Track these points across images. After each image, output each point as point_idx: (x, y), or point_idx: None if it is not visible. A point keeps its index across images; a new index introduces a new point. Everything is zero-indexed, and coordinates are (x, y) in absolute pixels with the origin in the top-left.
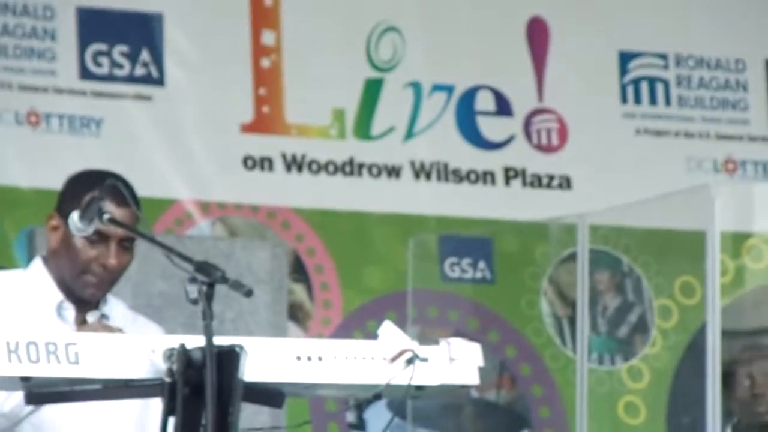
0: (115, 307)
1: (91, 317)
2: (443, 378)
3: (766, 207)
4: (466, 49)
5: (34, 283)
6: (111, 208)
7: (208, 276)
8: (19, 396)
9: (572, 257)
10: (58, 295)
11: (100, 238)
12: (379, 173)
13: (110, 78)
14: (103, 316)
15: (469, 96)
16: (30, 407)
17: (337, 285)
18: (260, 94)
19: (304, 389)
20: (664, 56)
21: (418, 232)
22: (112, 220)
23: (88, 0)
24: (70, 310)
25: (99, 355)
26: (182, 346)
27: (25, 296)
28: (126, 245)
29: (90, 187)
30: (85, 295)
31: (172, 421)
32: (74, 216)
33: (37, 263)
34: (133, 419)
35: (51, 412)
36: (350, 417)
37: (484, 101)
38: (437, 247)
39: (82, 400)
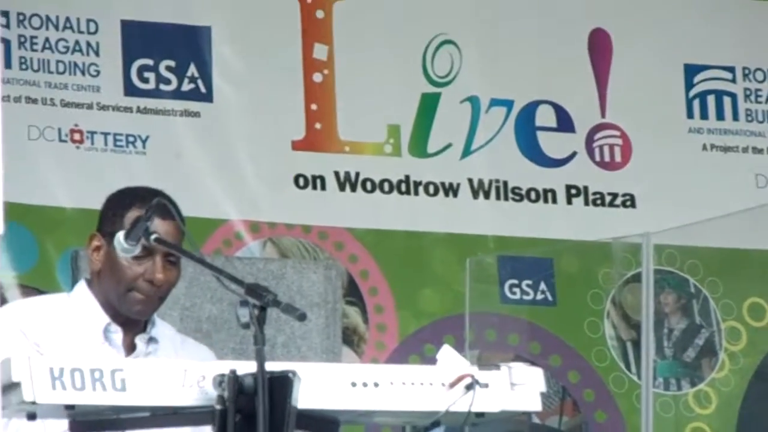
0: (163, 329)
1: (140, 340)
2: (504, 404)
3: None
4: (525, 63)
5: (80, 307)
6: (156, 223)
7: (260, 299)
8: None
9: (636, 278)
10: (105, 318)
11: (145, 253)
12: (435, 192)
13: (156, 94)
14: (152, 339)
15: (529, 111)
16: None
17: (393, 308)
18: (312, 110)
19: (359, 416)
20: (731, 69)
21: (477, 252)
22: (159, 240)
23: (132, 13)
24: (117, 333)
25: (146, 381)
26: (233, 372)
27: (70, 321)
28: (172, 260)
29: (132, 205)
30: (132, 313)
31: None
32: (120, 237)
33: (82, 286)
34: None
35: None
36: None
37: (545, 116)
38: (496, 268)
39: (129, 429)
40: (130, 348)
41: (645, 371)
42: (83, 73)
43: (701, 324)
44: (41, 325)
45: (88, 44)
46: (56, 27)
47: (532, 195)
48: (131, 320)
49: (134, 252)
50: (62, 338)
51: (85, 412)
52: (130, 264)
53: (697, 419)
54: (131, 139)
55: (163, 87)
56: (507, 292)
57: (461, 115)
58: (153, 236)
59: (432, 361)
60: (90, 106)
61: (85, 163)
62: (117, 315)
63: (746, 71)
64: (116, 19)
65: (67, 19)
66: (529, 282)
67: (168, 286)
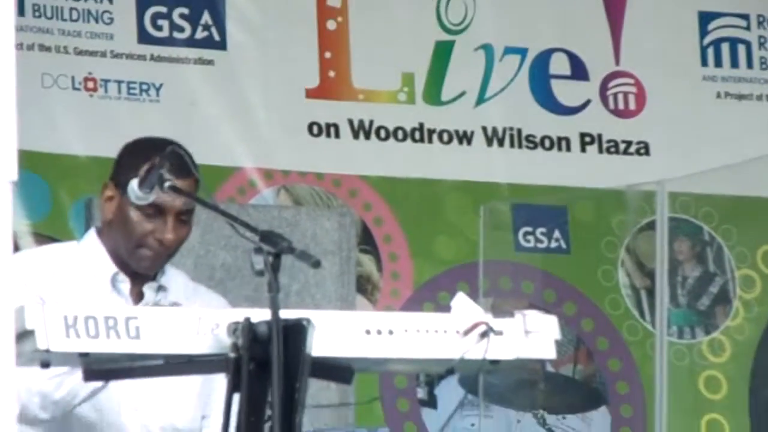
0: (174, 278)
1: (148, 289)
2: (518, 352)
3: None
4: (540, 11)
5: (88, 256)
6: (172, 178)
7: (275, 246)
8: (71, 383)
9: (651, 226)
10: (113, 268)
11: (156, 211)
12: (450, 139)
13: (170, 42)
14: (161, 288)
15: (543, 59)
16: (83, 392)
17: (407, 255)
18: (326, 58)
19: (373, 364)
20: (745, 17)
21: (491, 200)
22: (174, 188)
23: None
24: (125, 283)
25: (160, 329)
26: (247, 320)
27: (79, 269)
28: (183, 219)
29: (147, 155)
30: (140, 268)
31: (236, 397)
32: (134, 184)
33: (91, 235)
34: (195, 394)
35: (110, 389)
36: (421, 393)
37: (559, 64)
38: (510, 215)
39: (143, 377)
40: (138, 297)
41: (659, 319)
42: (96, 21)
43: (715, 272)
44: (47, 277)
45: None
46: None
47: (546, 143)
48: (139, 273)
49: (148, 200)
50: (70, 287)
51: (98, 359)
52: (141, 220)
53: (711, 367)
54: (145, 87)
55: (176, 35)
56: (521, 240)
57: (475, 63)
58: (167, 184)
59: (446, 309)
60: (104, 54)
61: (99, 111)
62: (125, 265)
63: (761, 19)
64: None
65: None
66: (543, 230)
67: (178, 244)
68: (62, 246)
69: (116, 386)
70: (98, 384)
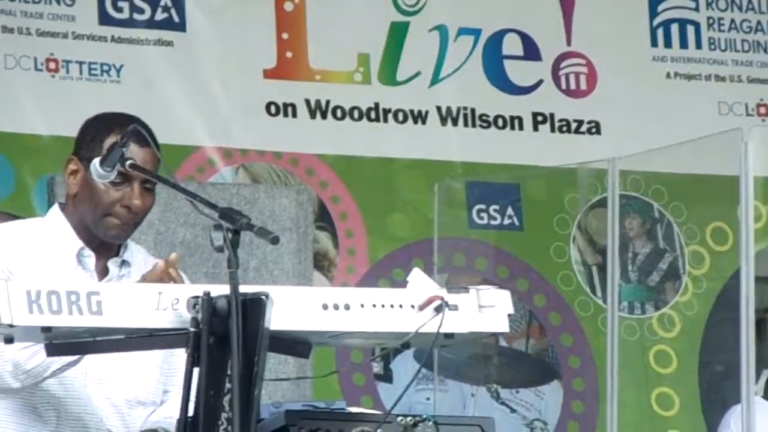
0: (136, 253)
1: (113, 264)
2: (473, 326)
3: None
4: None
5: (53, 231)
6: (133, 150)
7: (234, 223)
8: (44, 355)
9: (602, 203)
10: (78, 242)
11: (123, 179)
12: (404, 119)
13: (130, 23)
14: (124, 263)
15: (496, 40)
16: (55, 365)
17: (363, 233)
18: (283, 39)
19: (330, 338)
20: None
21: (445, 178)
22: (135, 166)
23: None
24: (90, 257)
25: (122, 305)
26: (207, 294)
27: (44, 245)
28: (148, 187)
29: (110, 129)
30: (108, 237)
31: (197, 371)
32: (96, 163)
33: (55, 211)
34: (157, 369)
35: (75, 371)
36: (377, 367)
37: (512, 45)
38: (464, 193)
39: (105, 351)
40: (103, 272)
41: (610, 295)
42: (58, 3)
43: (665, 248)
44: (13, 251)
45: None
46: None
47: (500, 122)
48: (104, 244)
49: (110, 178)
50: (35, 262)
51: (61, 334)
52: (108, 189)
53: (661, 342)
54: (106, 67)
55: (137, 16)
56: (475, 217)
57: (430, 44)
58: (128, 162)
59: (401, 285)
60: (65, 36)
61: (61, 91)
62: (90, 239)
63: (709, 0)
64: None
65: None
66: (497, 207)
67: (144, 212)
68: (26, 222)
69: (82, 365)
70: (73, 358)
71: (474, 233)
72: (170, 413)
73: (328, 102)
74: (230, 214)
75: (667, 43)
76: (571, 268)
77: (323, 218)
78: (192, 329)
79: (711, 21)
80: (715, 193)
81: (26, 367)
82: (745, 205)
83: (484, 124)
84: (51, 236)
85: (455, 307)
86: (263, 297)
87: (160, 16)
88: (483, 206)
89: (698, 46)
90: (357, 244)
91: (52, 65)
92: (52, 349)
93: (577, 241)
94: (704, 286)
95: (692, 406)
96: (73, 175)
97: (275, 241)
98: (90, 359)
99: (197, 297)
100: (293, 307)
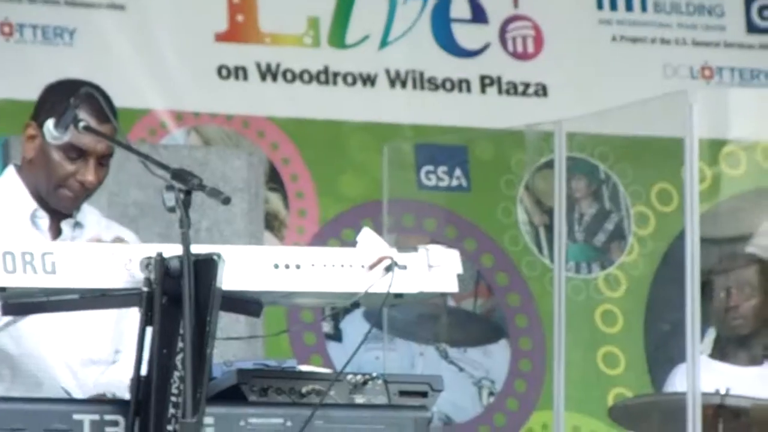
0: (89, 214)
1: (66, 225)
2: (422, 285)
3: (742, 113)
4: None
5: (8, 192)
6: (88, 119)
7: (185, 183)
8: None
9: (549, 165)
10: (32, 204)
11: (78, 154)
12: (354, 82)
13: None
14: (77, 224)
15: (444, 3)
16: (7, 319)
17: (313, 194)
18: (234, 3)
19: (281, 298)
20: None
21: (394, 140)
22: (88, 128)
23: None
24: (44, 219)
25: (76, 264)
26: (160, 254)
27: None
28: (103, 162)
29: (68, 95)
30: (59, 208)
31: (149, 330)
32: (49, 123)
33: (10, 171)
34: (110, 329)
35: (29, 322)
36: (327, 327)
37: (460, 8)
38: (413, 155)
39: (58, 311)
40: (56, 232)
41: (557, 255)
42: None
43: (611, 209)
44: None
45: None
46: None
47: (448, 85)
48: (57, 211)
49: (62, 140)
50: None
51: (16, 294)
52: (63, 162)
53: (607, 302)
54: (59, 31)
55: None
56: (423, 179)
57: (378, 7)
58: (81, 124)
59: (351, 245)
60: (20, 0)
61: (15, 55)
62: (44, 202)
63: None
64: None
65: None
66: (445, 169)
67: (97, 186)
68: None
69: (34, 318)
70: None
71: (423, 194)
72: (120, 373)
73: (278, 65)
74: (182, 175)
75: (613, 6)
76: (518, 229)
77: (274, 180)
78: (145, 289)
79: None
80: (660, 154)
81: None
82: (689, 166)
83: (433, 87)
84: (5, 196)
85: (404, 267)
86: (215, 257)
87: None
88: (431, 168)
89: (644, 8)
90: (307, 205)
91: (6, 29)
92: (8, 309)
93: (524, 202)
94: (649, 246)
95: (638, 364)
96: (30, 139)
97: (226, 201)
98: (43, 317)
99: (150, 257)
100: (244, 266)
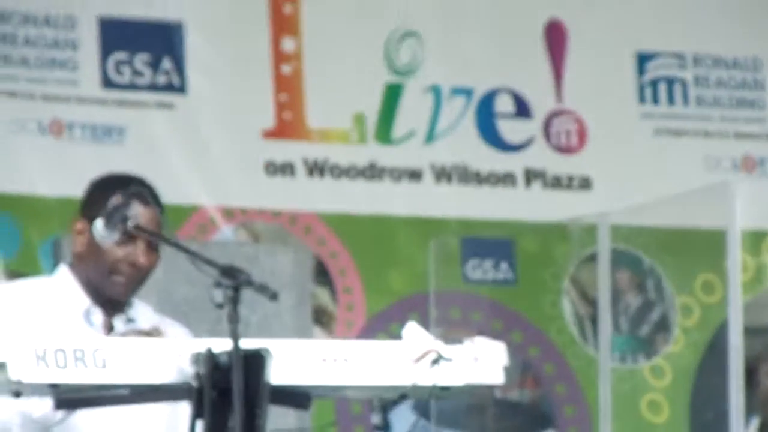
0: (141, 310)
1: (118, 321)
2: (468, 378)
3: None
4: (484, 52)
5: (61, 289)
6: (137, 210)
7: (234, 279)
8: (50, 403)
9: (593, 257)
10: (86, 300)
11: (128, 237)
12: (400, 177)
13: (132, 87)
14: (130, 320)
15: (489, 99)
16: (61, 414)
17: (360, 288)
18: (281, 101)
19: (330, 391)
20: (681, 56)
21: (440, 234)
22: (138, 227)
23: (108, 9)
24: (97, 315)
25: (126, 359)
26: (209, 349)
27: (52, 303)
28: (153, 245)
29: (114, 190)
30: (114, 294)
31: (200, 424)
32: (98, 224)
33: (63, 269)
34: (161, 423)
35: (81, 417)
36: (375, 418)
37: (504, 103)
38: (459, 249)
39: (110, 405)
40: (109, 328)
41: (602, 345)
42: (62, 68)
43: (655, 300)
44: (21, 310)
45: (66, 40)
46: (35, 23)
47: (493, 179)
48: (111, 301)
49: (113, 239)
50: (44, 320)
51: (68, 389)
52: (113, 247)
53: (653, 391)
54: (108, 130)
55: (138, 80)
56: (469, 272)
57: (424, 104)
58: (130, 222)
59: (398, 338)
60: (68, 99)
61: (65, 154)
62: (97, 296)
63: (696, 58)
64: (94, 15)
65: (46, 17)
66: (491, 262)
67: (149, 269)
68: (35, 280)
69: (87, 413)
70: None
71: (469, 287)
72: None
73: (325, 161)
74: (230, 271)
75: (655, 100)
76: (565, 320)
77: (322, 274)
78: (194, 383)
79: (698, 78)
80: (703, 246)
81: (34, 416)
82: (732, 257)
83: (478, 181)
84: (59, 294)
85: (450, 360)
86: (263, 352)
87: (161, 79)
88: (477, 261)
89: (685, 102)
90: (355, 300)
91: (56, 128)
92: (60, 404)
93: (570, 293)
94: (694, 336)
95: None
96: (79, 234)
97: (274, 297)
98: (96, 414)
99: (199, 352)
100: (293, 360)
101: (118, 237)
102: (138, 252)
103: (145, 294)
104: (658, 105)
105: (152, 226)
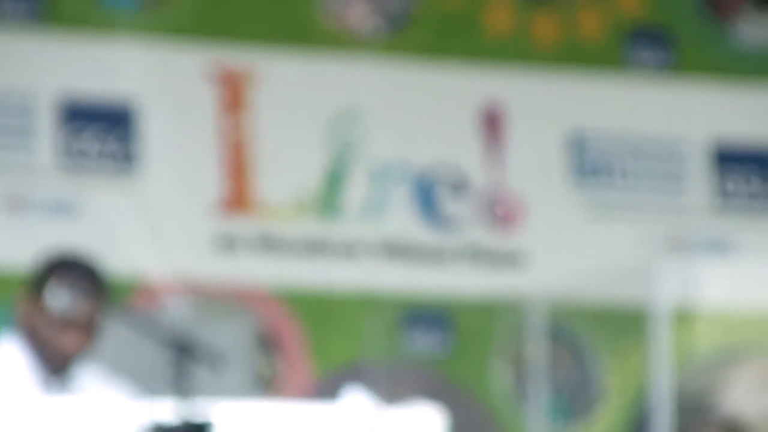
0: (87, 376)
1: (63, 386)
2: None
3: (711, 283)
4: (425, 131)
5: (7, 362)
6: (67, 299)
7: (179, 352)
8: None
9: (529, 332)
10: (29, 371)
11: (67, 322)
12: (342, 251)
13: (86, 161)
14: (76, 388)
15: (429, 176)
16: None
17: (303, 357)
18: (230, 175)
19: None
20: (616, 134)
21: (380, 307)
22: (77, 303)
23: (64, 83)
24: (44, 382)
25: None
26: (155, 421)
27: None
28: (92, 330)
29: (56, 271)
30: (53, 369)
31: None
32: (44, 298)
33: (10, 342)
34: None
35: None
36: None
37: (444, 181)
38: (398, 321)
39: None
40: (55, 394)
41: (535, 420)
42: (15, 136)
43: (587, 376)
44: None
45: (21, 111)
46: None
47: (433, 255)
48: (54, 371)
49: (56, 314)
50: None
51: None
52: (53, 331)
53: None
54: (62, 204)
55: (92, 154)
56: (409, 345)
57: (364, 179)
58: (69, 300)
59: (340, 405)
60: (22, 170)
61: (18, 227)
62: (42, 365)
63: (630, 136)
64: (48, 89)
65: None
66: (429, 335)
67: (79, 353)
68: None
69: None
70: None
71: (407, 358)
72: None
73: (271, 235)
74: (176, 343)
75: (592, 175)
76: (499, 393)
77: (267, 344)
78: None
79: (635, 155)
80: (630, 322)
81: None
82: (657, 334)
83: (418, 257)
84: (4, 367)
85: (388, 428)
86: (207, 425)
87: (114, 154)
88: (416, 333)
89: (624, 180)
90: (298, 370)
91: (8, 203)
92: None
93: (505, 367)
94: (622, 413)
95: None
96: (23, 312)
97: (219, 369)
98: None
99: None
100: (238, 428)
101: (61, 312)
102: (77, 337)
103: (91, 361)
104: (594, 181)
105: (88, 309)
